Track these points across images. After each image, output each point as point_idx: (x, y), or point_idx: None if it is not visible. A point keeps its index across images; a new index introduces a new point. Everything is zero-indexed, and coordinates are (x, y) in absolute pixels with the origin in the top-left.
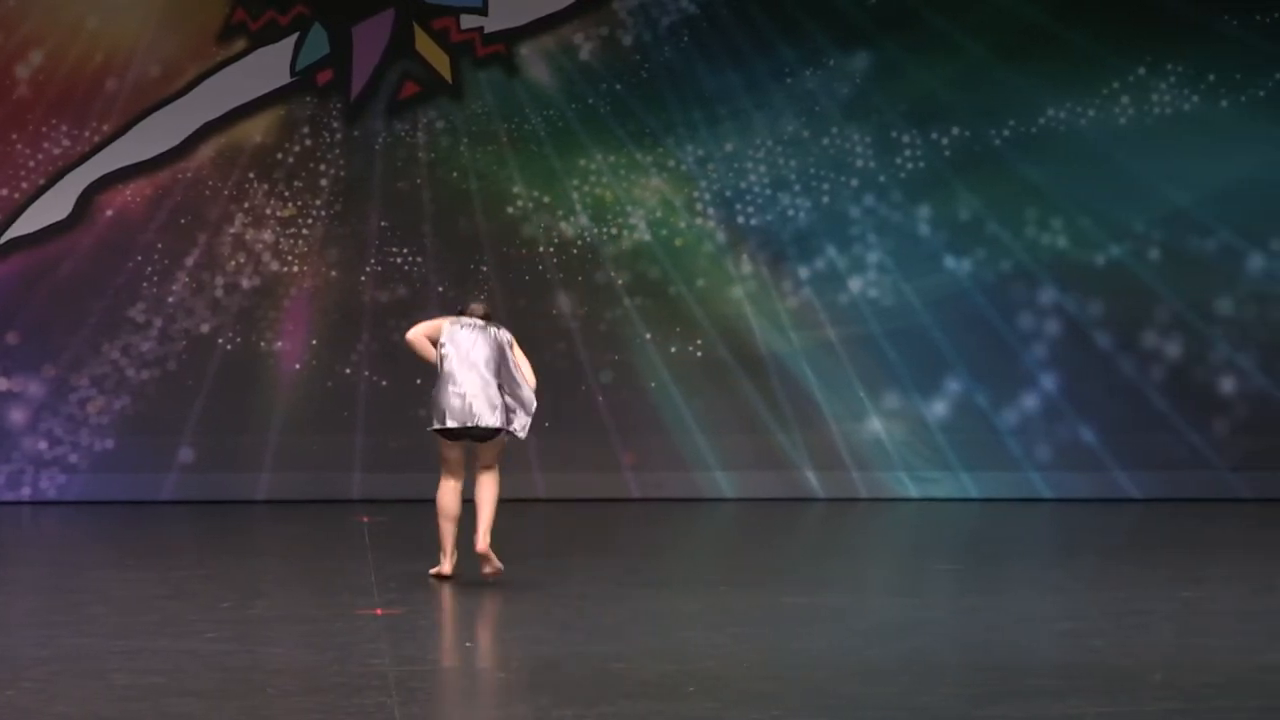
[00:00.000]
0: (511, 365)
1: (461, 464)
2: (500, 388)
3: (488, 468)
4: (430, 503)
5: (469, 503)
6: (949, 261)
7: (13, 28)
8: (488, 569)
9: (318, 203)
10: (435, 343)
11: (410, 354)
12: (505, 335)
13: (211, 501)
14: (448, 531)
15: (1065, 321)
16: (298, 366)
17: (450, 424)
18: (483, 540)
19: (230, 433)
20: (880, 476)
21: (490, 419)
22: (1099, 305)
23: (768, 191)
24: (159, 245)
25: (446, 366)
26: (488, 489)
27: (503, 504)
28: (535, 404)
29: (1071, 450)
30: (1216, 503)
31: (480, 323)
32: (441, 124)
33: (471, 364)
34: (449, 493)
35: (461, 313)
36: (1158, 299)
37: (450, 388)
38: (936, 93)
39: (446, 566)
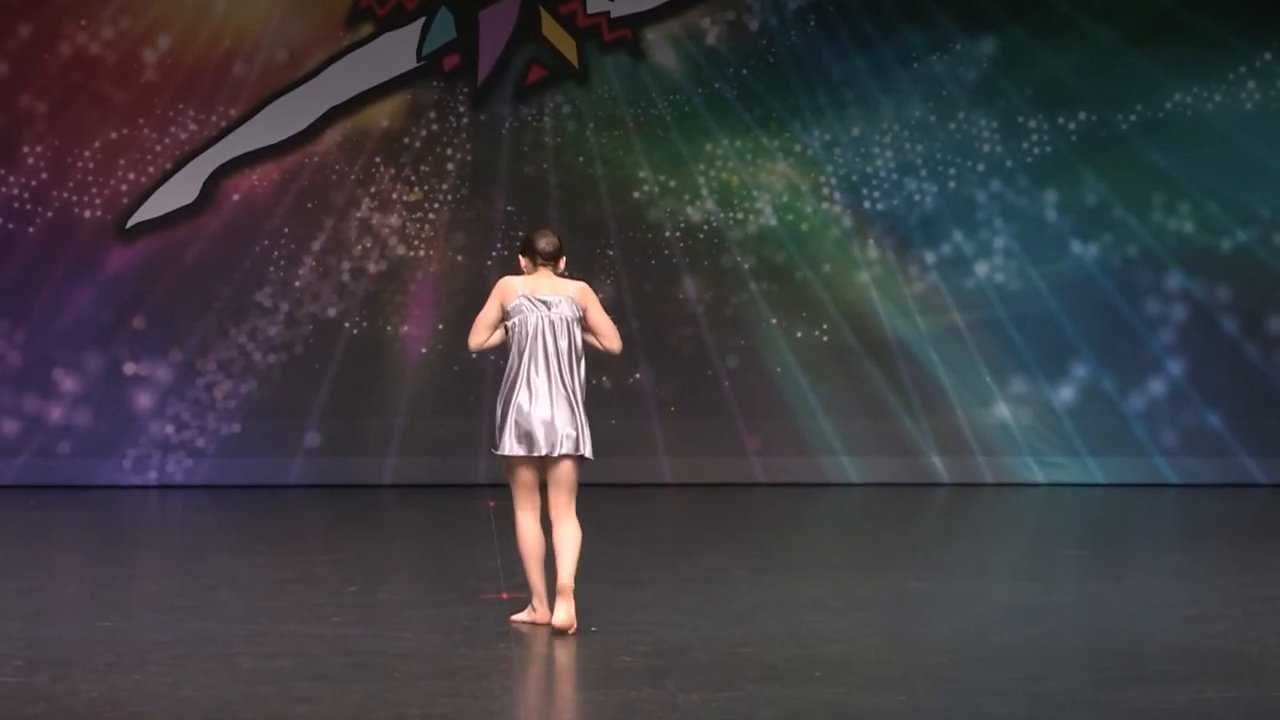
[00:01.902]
0: (579, 356)
1: (536, 486)
2: (576, 390)
3: (565, 513)
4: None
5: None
6: (1075, 246)
7: (140, 12)
8: (563, 616)
9: (444, 187)
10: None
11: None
12: (576, 308)
13: (338, 486)
14: (536, 574)
15: (1192, 306)
16: (424, 351)
17: (518, 451)
18: (567, 577)
19: (356, 417)
20: (1006, 461)
21: (566, 444)
22: (1225, 290)
23: (894, 176)
24: (285, 230)
25: (512, 363)
26: (569, 530)
27: (630, 489)
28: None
29: (1198, 435)
30: None
31: (546, 299)
32: (568, 109)
33: (542, 365)
34: (529, 527)
35: (526, 251)
36: None
37: (517, 399)
38: (1063, 77)
39: (542, 613)
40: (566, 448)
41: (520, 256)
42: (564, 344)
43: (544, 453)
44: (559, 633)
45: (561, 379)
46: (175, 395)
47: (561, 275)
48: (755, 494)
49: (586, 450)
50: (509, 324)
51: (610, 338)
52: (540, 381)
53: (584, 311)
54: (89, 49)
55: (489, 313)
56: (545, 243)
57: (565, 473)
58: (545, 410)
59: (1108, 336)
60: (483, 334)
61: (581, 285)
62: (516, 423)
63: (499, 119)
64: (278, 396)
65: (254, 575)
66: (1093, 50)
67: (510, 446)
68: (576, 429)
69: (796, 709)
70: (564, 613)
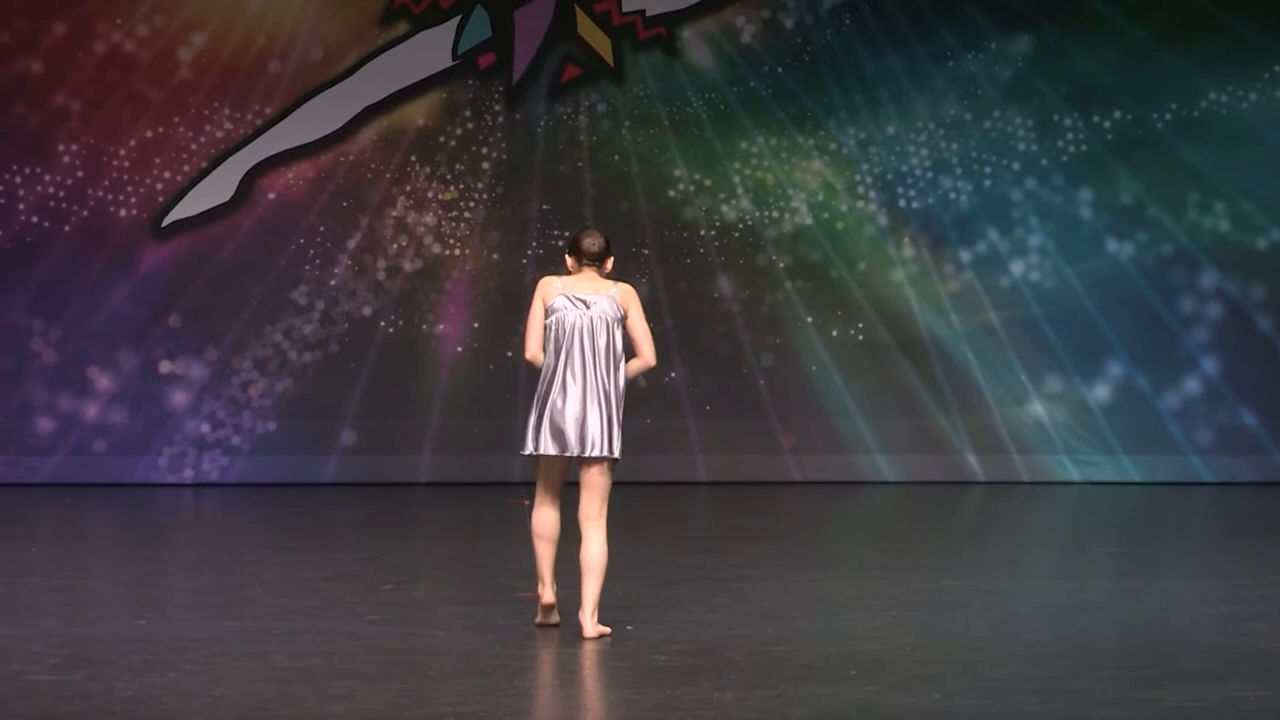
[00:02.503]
0: (618, 357)
1: (561, 485)
2: (610, 392)
3: (594, 516)
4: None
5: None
6: (1110, 245)
7: (174, 10)
8: (590, 634)
9: (479, 186)
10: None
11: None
12: (617, 308)
13: (372, 484)
14: (544, 554)
15: (1226, 305)
16: (459, 349)
17: (550, 450)
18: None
19: (391, 415)
20: (1041, 460)
21: (597, 446)
22: (1260, 289)
23: (929, 175)
24: (321, 228)
25: (548, 362)
26: (595, 549)
27: (665, 487)
28: (621, 409)
29: (1233, 434)
30: None
31: (585, 298)
32: (603, 107)
33: (578, 365)
34: (545, 514)
35: (572, 251)
36: None
37: (552, 398)
38: (1098, 76)
39: (547, 595)
40: (597, 449)
41: (566, 256)
42: (602, 343)
43: (575, 452)
44: (584, 636)
45: (598, 380)
46: (211, 394)
47: (607, 277)
48: (790, 492)
49: (612, 450)
50: (547, 322)
51: (644, 348)
52: (575, 382)
53: (625, 313)
54: (124, 47)
55: (536, 315)
56: (590, 242)
57: (597, 476)
58: (578, 410)
59: (1143, 335)
60: (537, 340)
61: (625, 286)
62: (552, 421)
63: (534, 117)
64: (313, 395)
65: (288, 573)
66: (1128, 49)
67: (540, 445)
68: (603, 430)
69: (830, 708)
70: (591, 631)
